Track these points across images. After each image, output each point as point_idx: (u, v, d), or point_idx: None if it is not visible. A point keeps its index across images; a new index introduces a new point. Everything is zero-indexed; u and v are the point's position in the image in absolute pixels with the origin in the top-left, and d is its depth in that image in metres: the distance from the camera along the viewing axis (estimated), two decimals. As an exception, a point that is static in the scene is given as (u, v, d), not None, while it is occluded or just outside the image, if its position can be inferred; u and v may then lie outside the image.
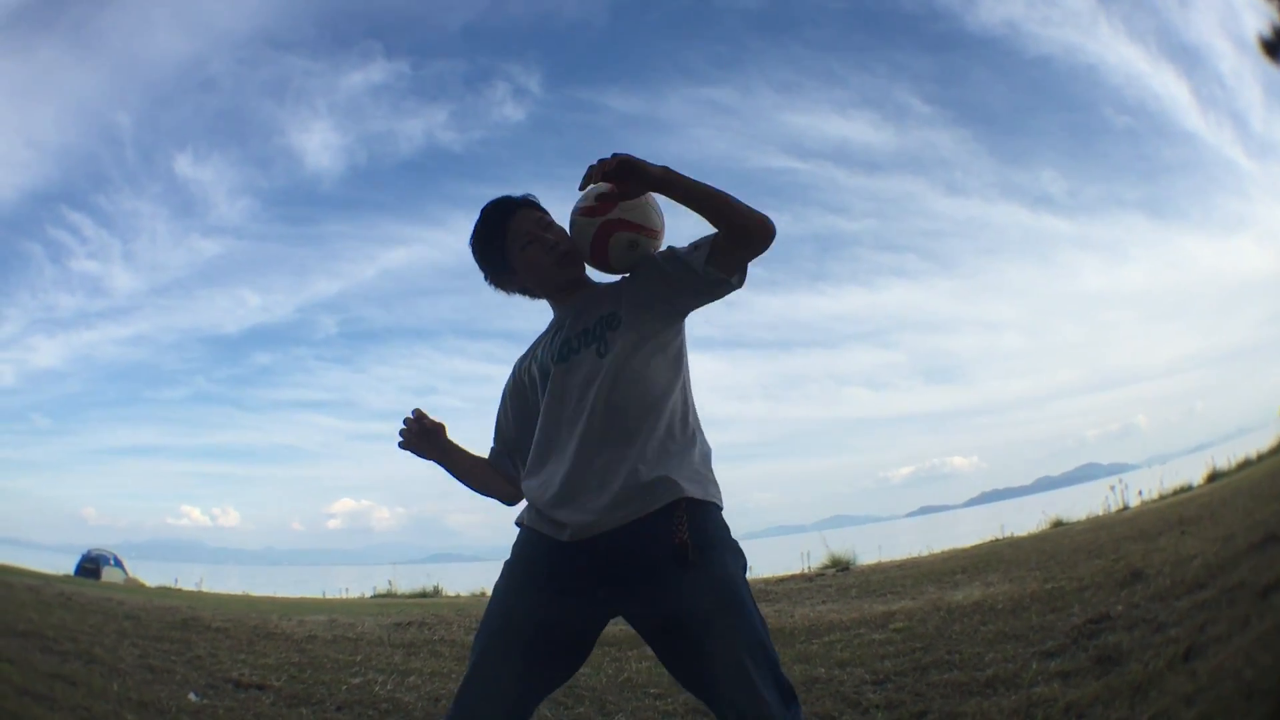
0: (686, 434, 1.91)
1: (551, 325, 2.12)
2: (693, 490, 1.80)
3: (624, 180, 1.79)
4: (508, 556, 1.95)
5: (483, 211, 2.11)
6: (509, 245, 2.06)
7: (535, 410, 2.02)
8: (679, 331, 2.01)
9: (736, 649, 1.69)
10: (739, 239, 1.82)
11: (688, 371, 2.01)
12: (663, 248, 1.99)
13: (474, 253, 2.13)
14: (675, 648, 1.78)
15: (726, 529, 1.86)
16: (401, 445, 2.13)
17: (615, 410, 1.85)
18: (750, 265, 1.88)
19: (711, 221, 1.82)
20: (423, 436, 2.13)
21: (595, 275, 2.13)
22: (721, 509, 1.88)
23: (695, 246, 1.89)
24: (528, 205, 2.10)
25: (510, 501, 2.13)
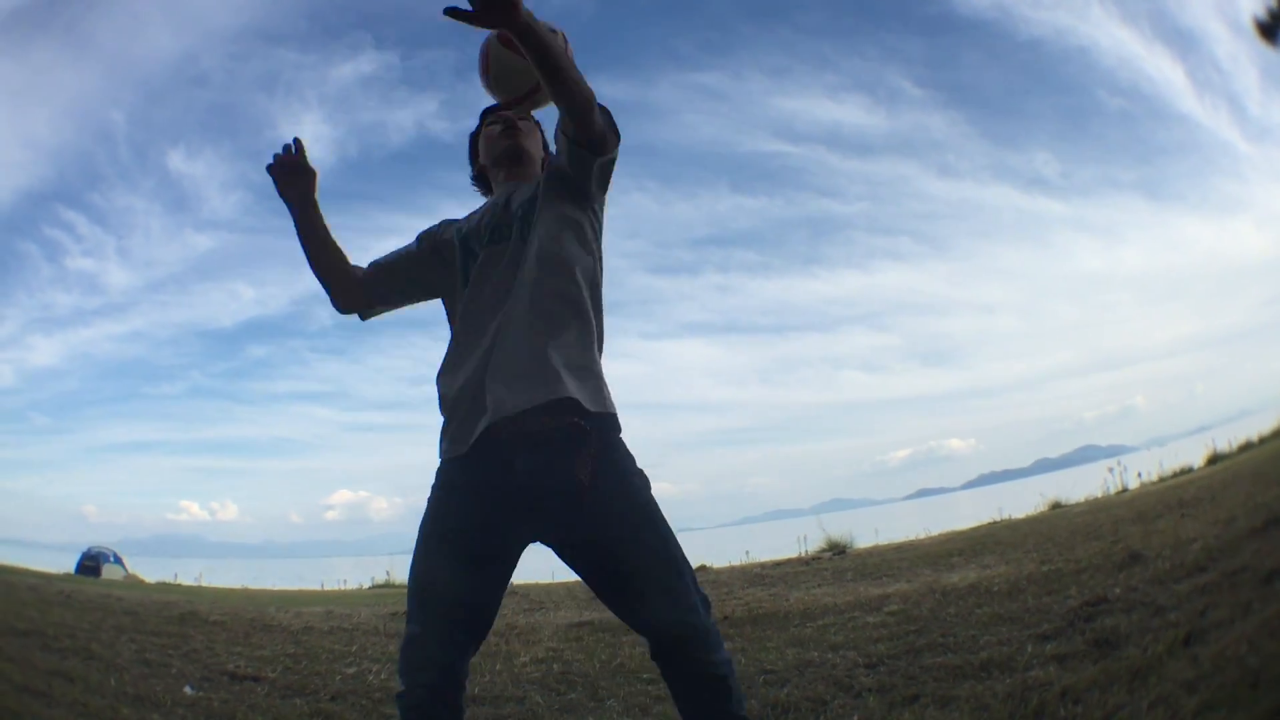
0: (596, 326, 2.00)
1: (486, 203, 2.22)
2: (591, 407, 1.86)
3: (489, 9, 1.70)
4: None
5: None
6: (481, 129, 2.28)
7: (424, 264, 2.17)
8: (592, 216, 2.08)
9: (657, 564, 1.82)
10: (569, 110, 1.92)
11: (601, 260, 2.08)
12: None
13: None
14: (596, 570, 1.90)
15: (628, 452, 1.93)
16: (268, 168, 2.14)
17: (535, 294, 1.93)
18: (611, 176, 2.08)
19: (546, 83, 1.88)
20: (292, 170, 2.13)
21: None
22: (616, 416, 1.94)
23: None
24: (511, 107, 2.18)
25: (336, 300, 2.20)
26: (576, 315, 1.96)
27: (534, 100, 2.05)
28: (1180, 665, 2.64)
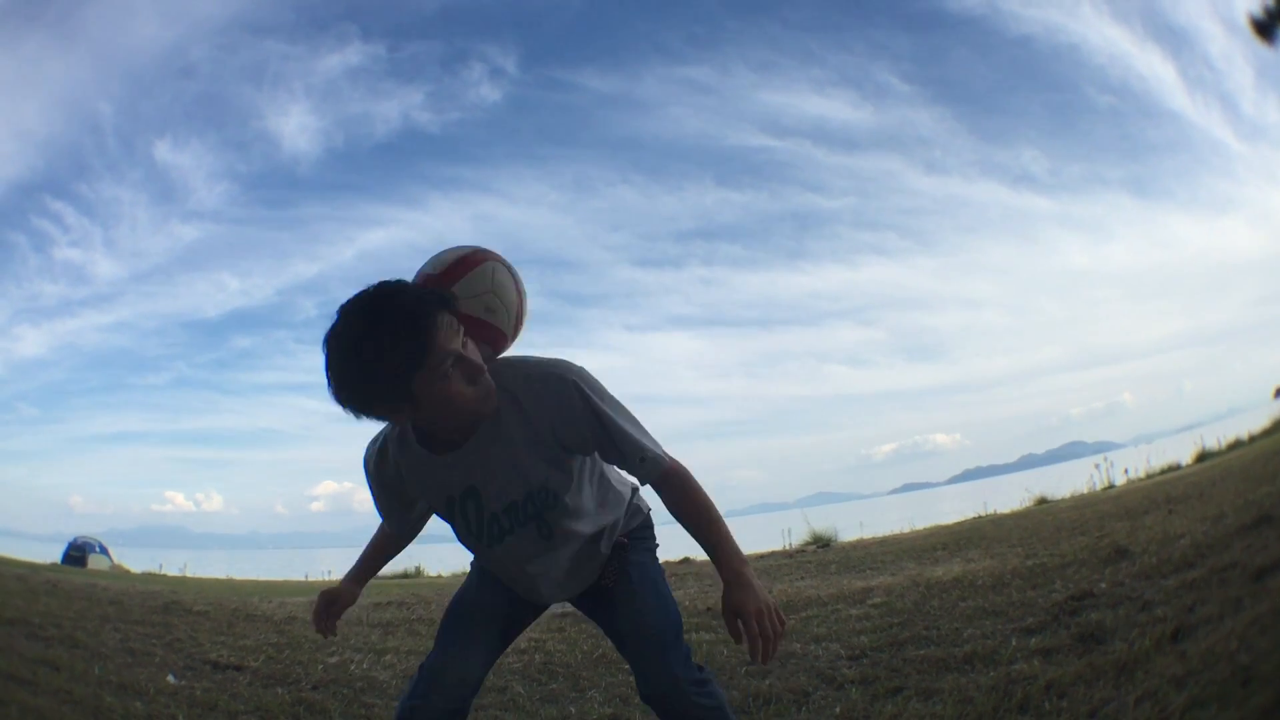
0: (612, 511, 2.02)
1: (430, 469, 1.83)
2: (625, 539, 2.05)
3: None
4: None
5: (393, 313, 1.54)
6: (426, 368, 1.56)
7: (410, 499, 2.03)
8: (602, 473, 2.02)
9: (646, 620, 1.90)
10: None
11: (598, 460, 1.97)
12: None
13: (353, 376, 1.57)
14: (601, 620, 2.06)
15: (646, 537, 2.10)
16: (334, 633, 2.24)
17: (562, 552, 1.94)
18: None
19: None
20: (331, 613, 2.19)
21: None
22: (644, 521, 2.12)
23: (640, 466, 1.81)
24: (446, 307, 1.61)
25: (407, 544, 2.21)
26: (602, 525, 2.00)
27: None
28: (1168, 661, 2.61)
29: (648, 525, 2.12)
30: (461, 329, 1.61)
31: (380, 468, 1.91)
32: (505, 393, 1.72)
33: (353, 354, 1.53)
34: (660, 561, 2.13)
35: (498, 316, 1.73)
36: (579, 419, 1.73)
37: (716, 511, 1.78)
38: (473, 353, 1.63)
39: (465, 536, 1.93)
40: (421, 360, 1.53)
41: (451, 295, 1.63)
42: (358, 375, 1.55)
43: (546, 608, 2.15)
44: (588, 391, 1.73)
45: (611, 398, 1.77)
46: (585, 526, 1.93)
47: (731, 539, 1.75)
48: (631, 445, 1.75)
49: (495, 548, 1.90)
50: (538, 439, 1.75)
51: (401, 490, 1.94)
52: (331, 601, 2.17)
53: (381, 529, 2.16)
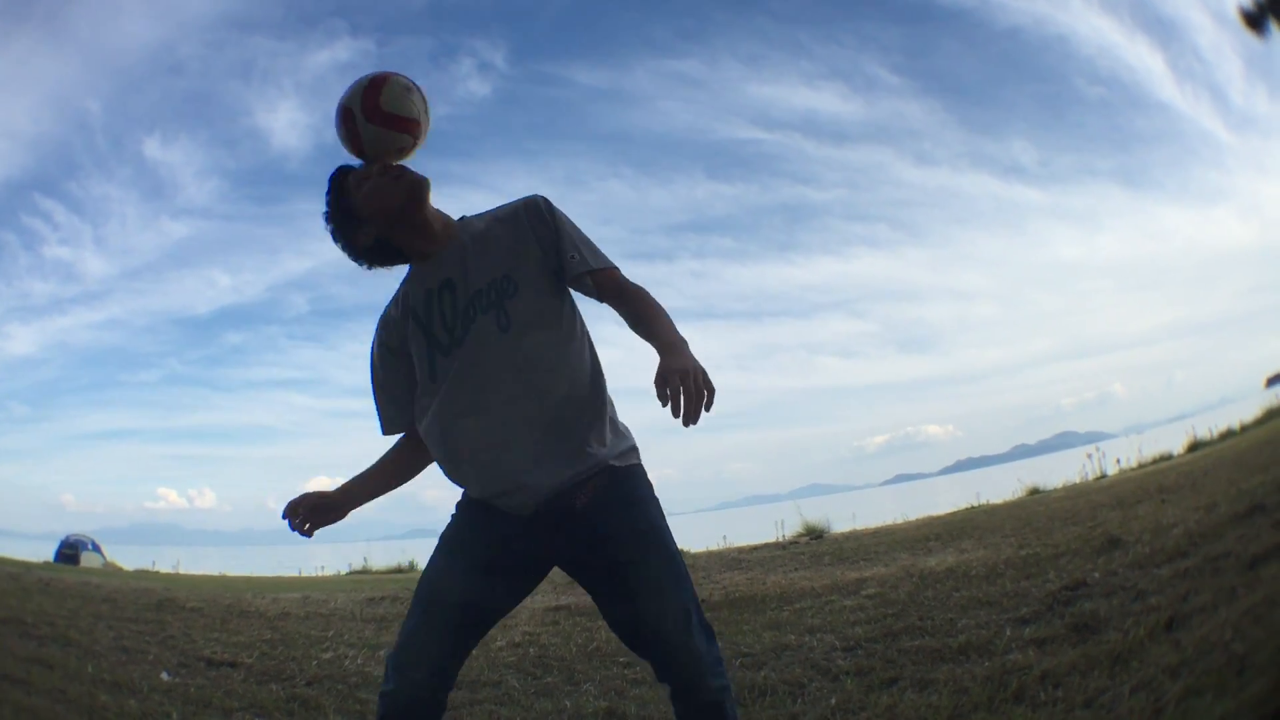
0: (602, 399, 1.94)
1: (418, 278, 1.97)
2: (615, 462, 1.88)
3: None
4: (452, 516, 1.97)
5: (328, 180, 2.02)
6: (351, 196, 1.94)
7: (413, 372, 1.97)
8: (569, 295, 1.96)
9: (664, 592, 1.81)
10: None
11: (587, 329, 2.00)
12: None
13: (330, 224, 2.01)
14: (607, 594, 1.89)
15: (648, 485, 1.94)
16: (307, 534, 2.05)
17: (535, 393, 1.84)
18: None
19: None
20: (314, 514, 2.02)
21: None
22: (640, 464, 1.96)
23: (573, 259, 1.90)
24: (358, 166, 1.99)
25: (414, 472, 2.10)
26: (578, 399, 1.90)
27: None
28: (1162, 650, 2.61)
29: (639, 468, 1.96)
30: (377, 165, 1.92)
31: (384, 338, 2.01)
32: (480, 217, 1.99)
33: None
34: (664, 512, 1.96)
35: (409, 109, 1.91)
36: (539, 212, 1.93)
37: (662, 307, 1.85)
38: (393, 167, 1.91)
39: (437, 375, 1.89)
40: (341, 183, 1.96)
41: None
42: (325, 218, 2.02)
43: (534, 575, 1.96)
44: (552, 202, 1.96)
45: (574, 223, 1.97)
46: (547, 349, 1.86)
47: (671, 322, 1.80)
48: (568, 241, 1.90)
49: (457, 351, 1.86)
50: (509, 228, 1.94)
51: (400, 367, 1.99)
52: (317, 503, 2.02)
53: (385, 454, 2.08)
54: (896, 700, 2.96)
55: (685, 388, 1.56)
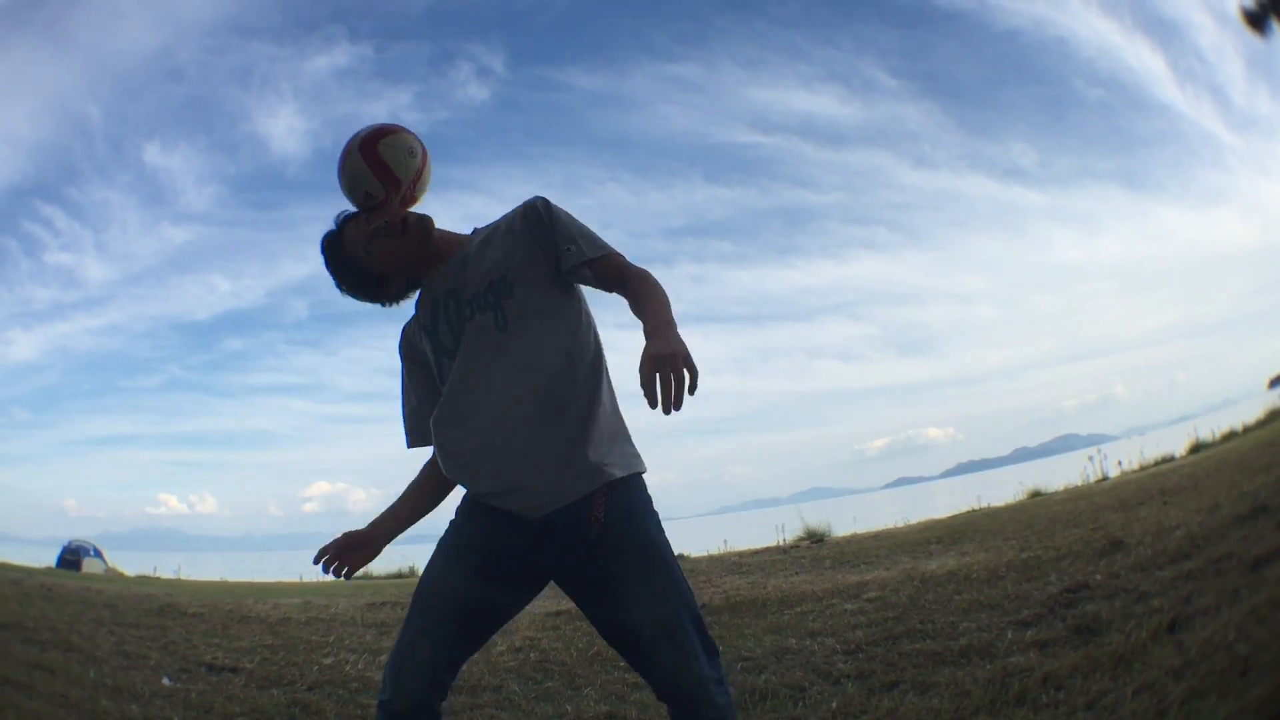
0: (606, 400, 1.90)
1: (427, 289, 1.99)
2: (619, 472, 1.83)
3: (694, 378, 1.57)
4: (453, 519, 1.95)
5: (322, 252, 2.03)
6: (359, 259, 1.96)
7: (436, 383, 1.96)
8: (573, 292, 1.93)
9: (665, 609, 1.77)
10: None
11: (597, 330, 1.97)
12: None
13: (348, 290, 2.03)
14: (604, 612, 1.85)
15: (647, 498, 1.90)
16: (346, 577, 2.02)
17: (533, 390, 1.82)
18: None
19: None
20: (346, 554, 1.99)
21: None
22: (643, 473, 1.92)
23: (569, 251, 1.86)
24: (347, 220, 2.00)
25: (444, 493, 2.06)
26: (580, 399, 1.86)
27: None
28: (1165, 652, 2.60)
29: (642, 485, 1.92)
30: (366, 216, 1.95)
31: (405, 352, 2.04)
32: (486, 227, 2.00)
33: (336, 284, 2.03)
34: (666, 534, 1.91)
35: (399, 167, 1.94)
36: (536, 212, 1.91)
37: (660, 289, 1.79)
38: (388, 215, 1.92)
39: (445, 378, 1.90)
40: (340, 251, 1.98)
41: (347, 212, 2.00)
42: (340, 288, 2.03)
43: (532, 585, 1.92)
44: (551, 201, 1.93)
45: (572, 215, 1.93)
46: (546, 347, 1.83)
47: (664, 304, 1.73)
48: (565, 236, 1.87)
49: (459, 353, 1.86)
50: (506, 232, 1.93)
51: (421, 379, 2.00)
52: (351, 544, 1.99)
53: (413, 480, 2.07)
54: (898, 704, 2.95)
55: (662, 374, 1.51)
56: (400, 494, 2.06)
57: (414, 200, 2.00)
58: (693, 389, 1.53)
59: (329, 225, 2.01)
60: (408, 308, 2.03)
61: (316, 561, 1.98)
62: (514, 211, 1.96)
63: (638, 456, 1.91)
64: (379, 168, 1.91)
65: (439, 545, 1.92)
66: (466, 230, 2.04)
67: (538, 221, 1.90)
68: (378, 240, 1.91)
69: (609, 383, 1.93)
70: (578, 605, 1.90)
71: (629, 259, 1.89)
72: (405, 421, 2.04)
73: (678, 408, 1.51)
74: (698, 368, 1.54)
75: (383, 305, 2.02)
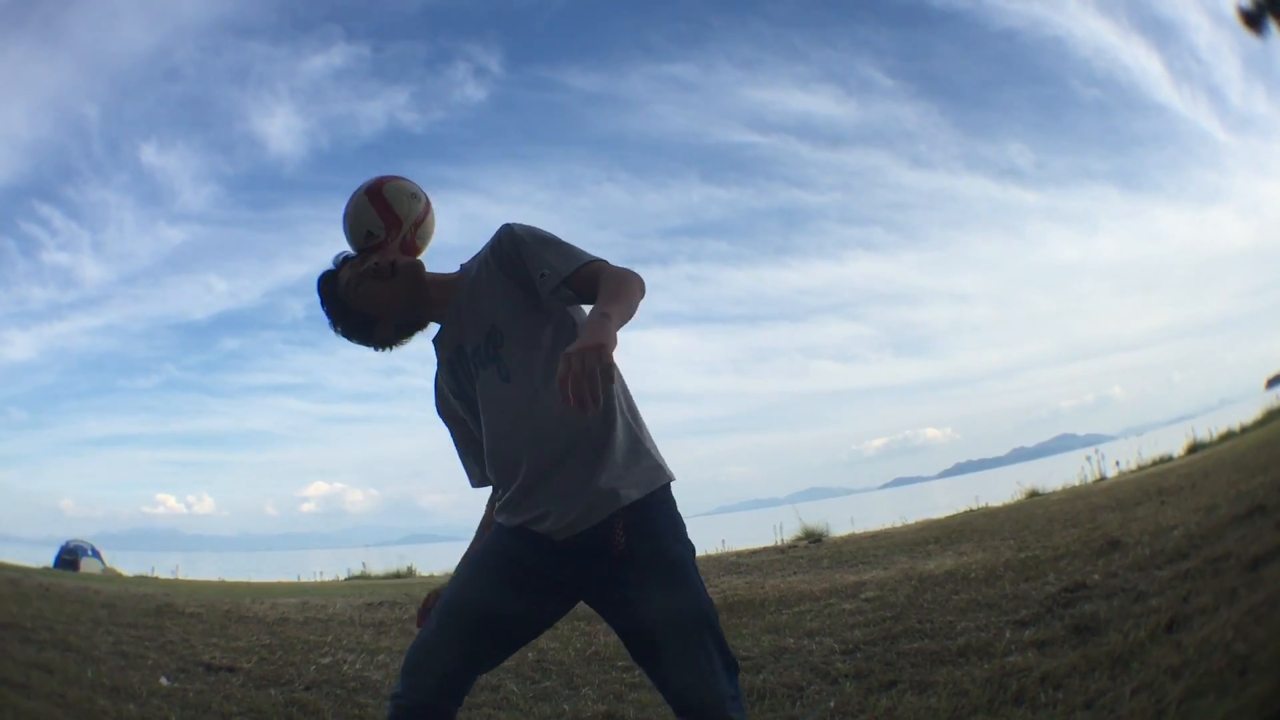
0: (621, 416, 1.88)
1: (440, 347, 2.04)
2: (636, 495, 1.82)
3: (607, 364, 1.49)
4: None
5: (317, 291, 2.08)
6: (352, 301, 2.00)
7: (475, 433, 2.01)
8: (564, 317, 1.90)
9: (684, 626, 1.76)
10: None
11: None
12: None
13: (340, 330, 2.07)
14: (627, 626, 1.84)
15: (671, 512, 1.88)
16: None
17: (548, 436, 1.83)
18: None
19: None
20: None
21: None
22: (669, 484, 1.90)
23: (544, 278, 1.82)
24: (343, 262, 2.05)
25: None
26: (592, 427, 1.84)
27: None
28: (1164, 651, 2.60)
29: (664, 498, 1.88)
30: (362, 256, 1.99)
31: (440, 406, 2.10)
32: (473, 261, 1.99)
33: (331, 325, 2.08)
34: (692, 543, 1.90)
35: (400, 206, 2.00)
36: (502, 246, 1.90)
37: (627, 283, 1.71)
38: (381, 256, 1.96)
39: (478, 418, 1.95)
40: (334, 292, 2.02)
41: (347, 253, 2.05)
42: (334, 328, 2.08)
43: (558, 601, 1.92)
44: (515, 228, 1.90)
45: (541, 231, 1.90)
46: (553, 387, 1.71)
47: (616, 297, 1.64)
48: (536, 262, 1.83)
49: (480, 409, 1.91)
50: (486, 276, 1.92)
51: (465, 427, 2.05)
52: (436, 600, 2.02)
53: (483, 518, 2.11)
54: (895, 703, 2.96)
55: (574, 370, 1.42)
56: (476, 532, 2.12)
57: (414, 247, 2.02)
58: (605, 384, 1.45)
59: (328, 224, 2.05)
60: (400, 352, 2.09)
61: (419, 625, 2.00)
62: (486, 247, 1.95)
63: (659, 468, 1.89)
64: (381, 207, 1.97)
65: (467, 554, 2.00)
66: (454, 267, 2.05)
67: (506, 258, 1.88)
68: (367, 282, 1.95)
69: (624, 395, 1.92)
70: (604, 619, 1.90)
71: (618, 261, 1.89)
72: (464, 465, 2.11)
73: (575, 405, 1.43)
74: (611, 360, 1.47)
75: (374, 349, 2.06)
